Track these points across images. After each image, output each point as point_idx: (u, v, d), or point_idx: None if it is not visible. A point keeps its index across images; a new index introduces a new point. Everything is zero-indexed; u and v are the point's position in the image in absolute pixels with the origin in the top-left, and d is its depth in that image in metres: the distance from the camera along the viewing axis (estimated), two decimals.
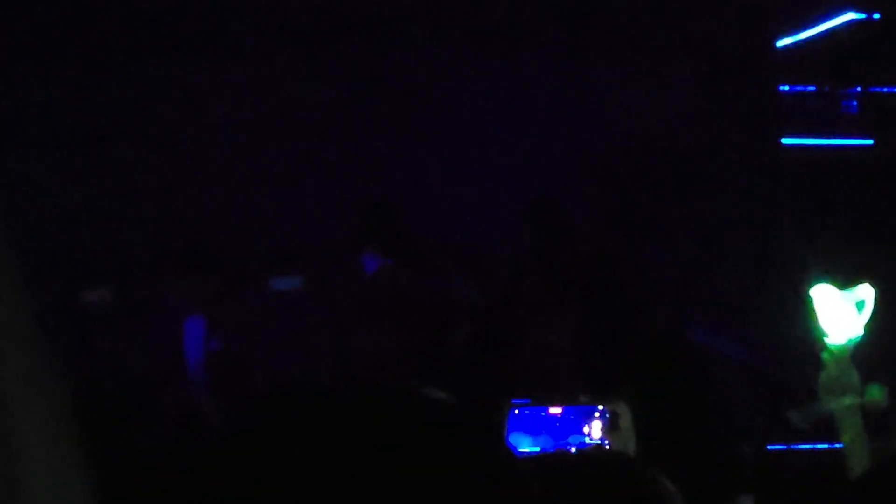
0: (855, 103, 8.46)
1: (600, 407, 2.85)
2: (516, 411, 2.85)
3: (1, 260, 0.72)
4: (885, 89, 8.46)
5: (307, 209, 7.77)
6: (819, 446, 7.12)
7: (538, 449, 2.87)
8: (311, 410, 0.92)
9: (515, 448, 2.85)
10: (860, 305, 3.90)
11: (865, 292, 3.80)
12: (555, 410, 2.88)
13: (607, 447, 2.83)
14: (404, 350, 6.77)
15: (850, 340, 3.88)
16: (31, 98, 7.65)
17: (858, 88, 8.48)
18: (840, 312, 3.81)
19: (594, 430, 2.85)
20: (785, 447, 7.08)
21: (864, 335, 4.52)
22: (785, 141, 8.31)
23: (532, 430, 2.88)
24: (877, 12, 8.17)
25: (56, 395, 0.71)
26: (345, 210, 7.21)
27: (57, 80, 7.71)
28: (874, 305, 4.17)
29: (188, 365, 6.59)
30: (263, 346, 6.86)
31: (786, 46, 8.29)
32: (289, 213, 7.79)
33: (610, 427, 2.83)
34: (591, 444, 2.84)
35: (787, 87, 8.35)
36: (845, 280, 4.59)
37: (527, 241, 7.05)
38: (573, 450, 2.81)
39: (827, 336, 4.23)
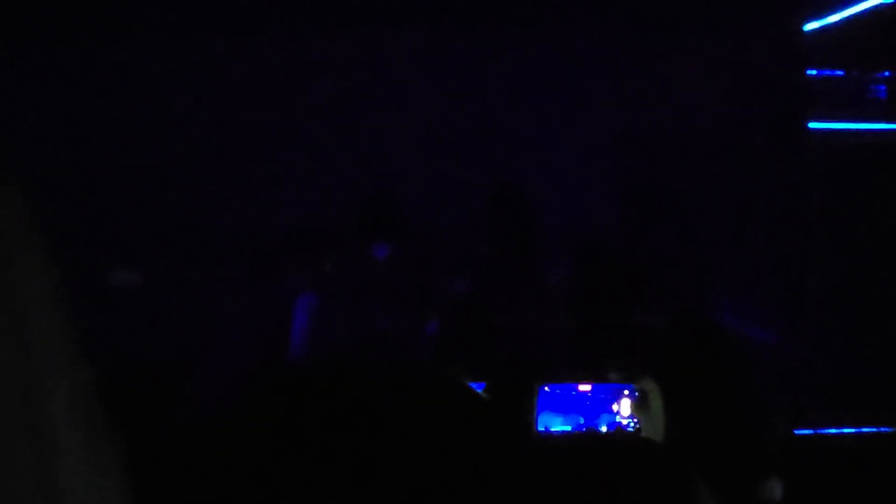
0: (883, 88, 8.41)
1: (630, 385, 2.85)
2: (546, 389, 2.86)
3: (38, 258, 0.72)
4: None
5: (321, 198, 7.84)
6: (846, 430, 7.11)
7: (569, 428, 2.87)
8: (341, 391, 0.92)
9: (547, 427, 2.86)
10: None
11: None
12: (584, 388, 2.89)
13: (636, 426, 2.84)
14: (421, 330, 6.87)
15: None
16: (97, 82, 7.72)
17: (887, 73, 8.43)
18: None
19: (623, 408, 2.85)
20: (812, 432, 7.06)
21: None
22: (812, 125, 8.27)
23: (562, 409, 2.89)
24: None
25: (90, 386, 0.72)
26: (348, 197, 7.31)
27: (122, 63, 7.78)
28: None
29: (295, 342, 6.67)
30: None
31: (814, 30, 8.25)
32: (305, 201, 7.86)
33: (639, 405, 2.83)
34: (620, 423, 2.85)
35: (815, 72, 8.31)
36: None
37: (494, 226, 7.16)
38: (603, 429, 2.83)
39: None
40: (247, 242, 7.04)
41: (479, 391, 3.35)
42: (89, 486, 0.72)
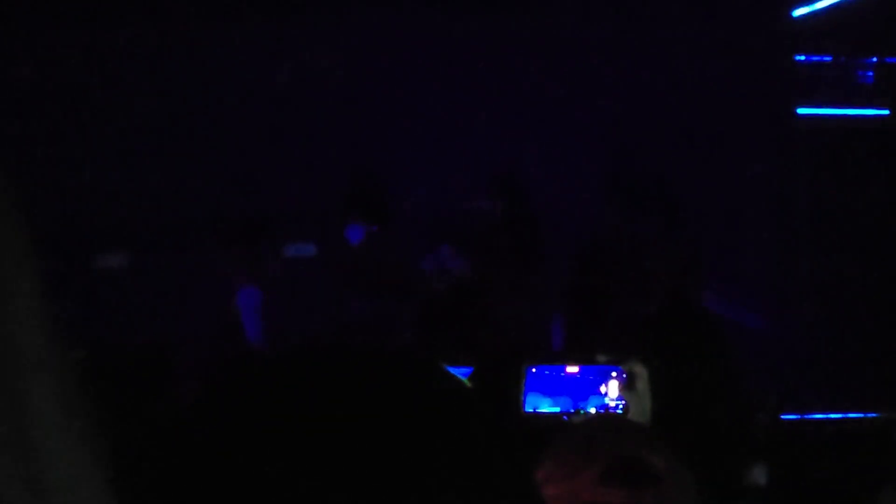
0: (871, 74, 8.43)
1: (618, 367, 2.86)
2: (534, 370, 2.86)
3: (18, 246, 0.72)
4: None
5: (296, 180, 7.83)
6: (833, 416, 7.13)
7: (557, 409, 2.87)
8: (318, 379, 0.92)
9: (535, 408, 2.86)
10: None
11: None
12: (572, 370, 2.89)
13: (624, 407, 2.84)
14: (404, 314, 6.86)
15: None
16: (73, 67, 7.71)
17: (874, 59, 8.44)
18: None
19: (611, 389, 2.86)
20: (799, 417, 7.08)
21: None
22: (801, 111, 8.28)
23: (550, 390, 2.89)
24: None
25: (72, 376, 0.71)
26: (330, 180, 7.30)
27: (106, 48, 7.77)
28: None
29: (248, 335, 6.57)
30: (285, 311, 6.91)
31: (802, 16, 8.25)
32: (276, 182, 7.85)
33: (627, 387, 2.84)
34: (607, 404, 2.85)
35: (803, 57, 8.32)
36: None
37: (497, 212, 7.15)
38: (592, 410, 2.83)
39: None
40: (233, 228, 7.01)
41: (467, 375, 3.35)
42: (72, 481, 0.71)
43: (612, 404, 2.82)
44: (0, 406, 0.66)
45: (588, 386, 2.84)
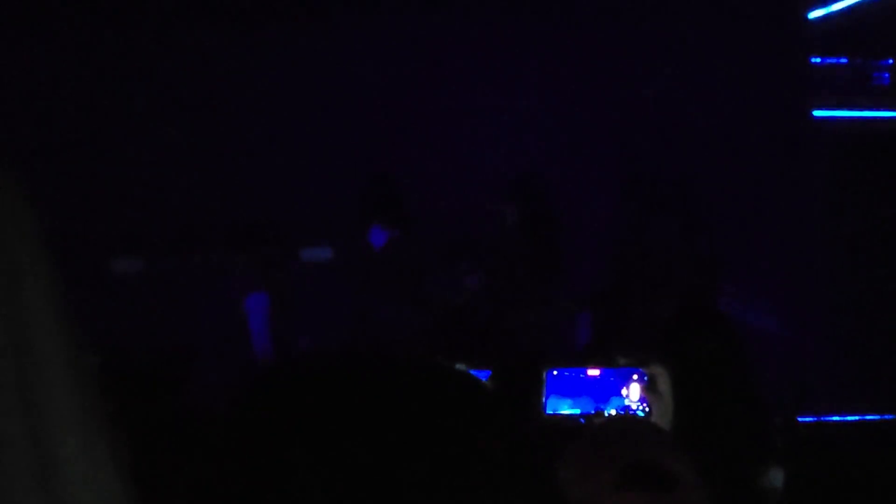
0: (887, 75, 8.40)
1: (639, 369, 2.86)
2: (555, 373, 2.86)
3: (35, 249, 0.72)
4: None
5: (313, 184, 7.84)
6: (850, 418, 7.12)
7: (578, 411, 2.88)
8: (343, 385, 0.92)
9: (555, 411, 2.86)
10: None
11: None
12: (593, 372, 2.89)
13: (646, 410, 2.85)
14: (423, 320, 6.86)
15: None
16: (85, 69, 7.73)
17: (890, 60, 8.42)
18: None
19: (633, 392, 2.86)
20: (815, 419, 7.06)
21: None
22: (816, 113, 8.26)
23: (571, 393, 2.89)
24: None
25: (89, 377, 0.72)
26: (348, 184, 7.30)
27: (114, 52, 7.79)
28: None
29: (253, 340, 6.57)
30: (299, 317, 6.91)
31: (818, 18, 8.24)
32: (297, 187, 7.86)
33: (649, 389, 2.84)
34: (629, 407, 2.85)
35: (818, 60, 8.30)
36: None
37: (511, 218, 7.15)
38: (612, 412, 2.83)
39: None
40: (242, 233, 7.02)
41: (485, 379, 3.36)
42: (88, 478, 0.72)
43: (634, 406, 2.82)
44: (17, 405, 0.67)
45: (609, 388, 2.84)
